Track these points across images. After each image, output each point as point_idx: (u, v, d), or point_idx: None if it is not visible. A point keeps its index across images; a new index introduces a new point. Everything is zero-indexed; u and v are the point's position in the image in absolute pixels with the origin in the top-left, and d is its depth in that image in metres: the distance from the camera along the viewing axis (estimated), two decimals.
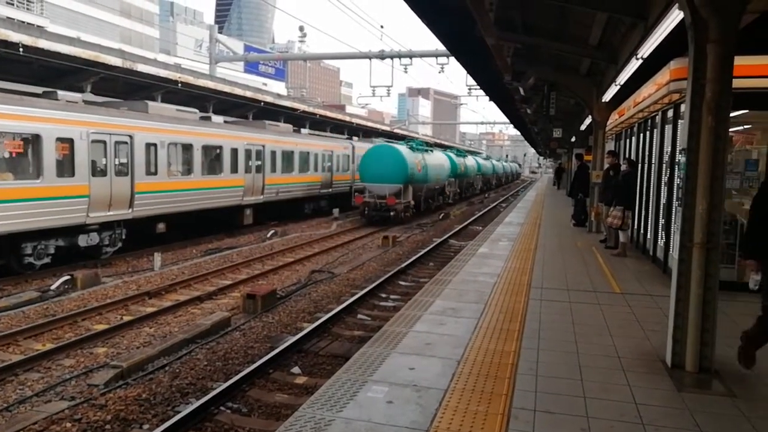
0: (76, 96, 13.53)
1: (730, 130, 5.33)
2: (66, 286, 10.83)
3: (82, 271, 11.54)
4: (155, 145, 14.86)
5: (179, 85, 19.08)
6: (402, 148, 23.50)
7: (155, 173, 14.89)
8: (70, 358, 7.32)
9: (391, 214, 21.96)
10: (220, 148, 17.77)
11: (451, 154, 34.04)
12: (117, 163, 13.66)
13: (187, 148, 16.29)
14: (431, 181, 26.17)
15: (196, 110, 18.13)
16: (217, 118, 19.31)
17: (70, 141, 12.26)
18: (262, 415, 5.83)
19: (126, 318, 9.08)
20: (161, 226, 15.44)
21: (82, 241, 12.87)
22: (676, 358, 4.79)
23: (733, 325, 6.09)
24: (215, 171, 17.62)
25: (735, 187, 7.86)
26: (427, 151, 26.91)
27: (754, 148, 8.36)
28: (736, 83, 4.64)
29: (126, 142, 13.87)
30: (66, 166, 12.25)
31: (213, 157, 17.63)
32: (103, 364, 7.03)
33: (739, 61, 4.63)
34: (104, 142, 13.22)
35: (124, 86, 18.55)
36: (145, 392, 6.26)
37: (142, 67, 17.17)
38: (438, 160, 28.24)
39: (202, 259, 14.14)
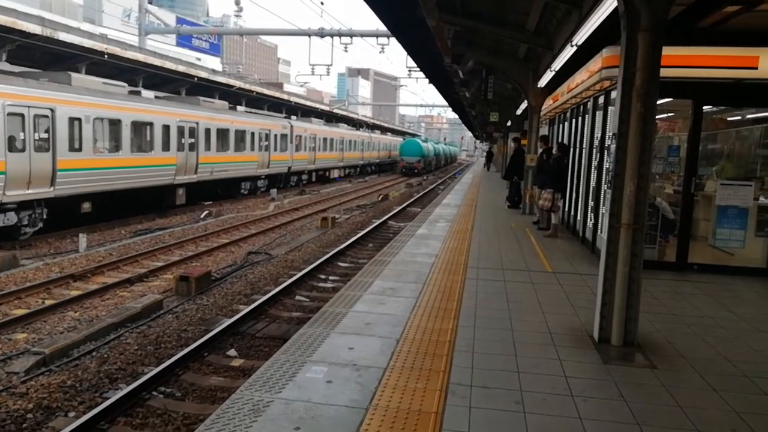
0: None
1: (656, 117, 5.58)
2: None
3: None
4: (80, 119, 14.03)
5: (106, 56, 18.07)
6: (420, 140, 49.86)
7: (80, 149, 14.08)
8: None
9: (415, 171, 45.40)
10: (151, 124, 17.00)
11: (434, 143, 59.26)
12: (37, 138, 12.80)
13: (115, 123, 15.48)
14: (430, 157, 51.16)
15: (125, 84, 17.26)
16: (148, 93, 18.42)
17: None
18: (197, 398, 5.69)
19: (48, 302, 8.58)
20: (86, 206, 14.68)
21: None
22: (602, 333, 5.03)
23: (654, 301, 6.48)
24: (145, 148, 16.86)
25: (658, 171, 8.29)
26: (428, 142, 54.93)
27: (676, 135, 8.84)
28: (662, 72, 4.85)
29: (47, 116, 13.01)
30: None
31: (143, 134, 16.84)
32: (24, 350, 6.64)
33: (665, 51, 4.84)
34: (22, 116, 12.34)
35: (45, 56, 17.37)
36: (71, 379, 5.96)
37: (63, 36, 16.12)
38: (432, 146, 54.22)
39: (132, 240, 13.56)
